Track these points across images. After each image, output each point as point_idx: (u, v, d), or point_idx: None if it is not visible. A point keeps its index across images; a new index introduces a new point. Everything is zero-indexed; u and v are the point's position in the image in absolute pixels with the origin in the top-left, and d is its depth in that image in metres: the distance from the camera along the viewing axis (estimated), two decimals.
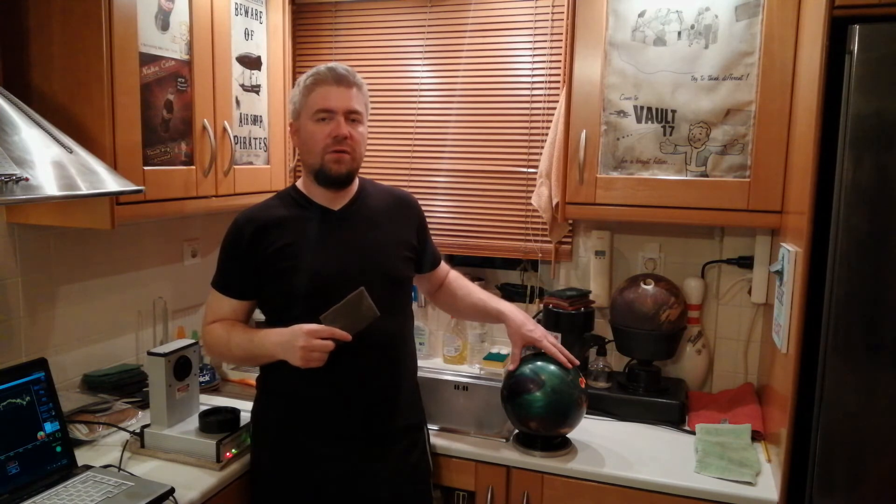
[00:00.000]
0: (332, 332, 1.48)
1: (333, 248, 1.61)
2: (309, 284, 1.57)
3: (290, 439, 1.62)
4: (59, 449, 1.56)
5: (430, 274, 1.87)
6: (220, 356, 1.68)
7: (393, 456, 1.65)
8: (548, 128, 2.25)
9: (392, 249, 1.69)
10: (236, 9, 2.08)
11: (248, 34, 2.15)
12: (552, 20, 2.29)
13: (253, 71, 2.18)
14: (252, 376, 2.25)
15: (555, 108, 2.22)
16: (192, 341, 1.82)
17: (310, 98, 1.60)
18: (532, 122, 2.35)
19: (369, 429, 1.62)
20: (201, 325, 1.72)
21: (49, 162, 1.38)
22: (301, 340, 1.48)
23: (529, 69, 2.34)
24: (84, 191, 1.41)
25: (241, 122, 2.14)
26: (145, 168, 1.75)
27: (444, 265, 1.93)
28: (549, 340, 1.77)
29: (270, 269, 1.59)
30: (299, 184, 1.70)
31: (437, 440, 1.84)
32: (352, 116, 1.60)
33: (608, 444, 1.83)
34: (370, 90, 2.50)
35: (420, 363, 1.81)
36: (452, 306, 1.96)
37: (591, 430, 1.89)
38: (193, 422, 1.74)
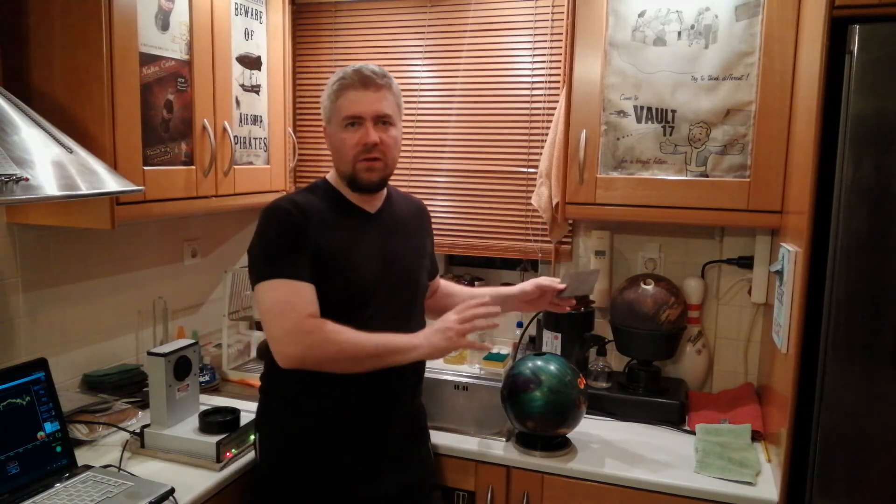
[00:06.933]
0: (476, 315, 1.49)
1: (373, 252, 1.57)
2: (352, 286, 1.52)
3: (302, 445, 1.58)
4: (59, 449, 1.56)
5: (430, 284, 1.84)
6: (338, 355, 1.43)
7: (405, 456, 1.65)
8: (548, 128, 2.25)
9: (417, 256, 1.69)
10: (236, 9, 2.08)
11: (248, 34, 2.15)
12: (552, 20, 2.29)
13: (253, 71, 2.18)
14: (252, 377, 2.25)
15: (555, 108, 2.22)
16: (192, 341, 1.81)
17: (337, 104, 1.53)
18: (532, 122, 2.35)
19: (387, 432, 1.60)
20: (293, 321, 1.43)
21: (49, 162, 1.38)
22: (451, 327, 1.47)
23: (529, 69, 2.34)
24: (84, 191, 1.41)
25: (241, 122, 2.14)
26: (145, 168, 1.75)
27: (437, 277, 1.90)
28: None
29: (319, 265, 1.49)
30: (331, 179, 1.63)
31: (437, 440, 1.84)
32: (382, 120, 1.53)
33: (608, 444, 1.83)
34: None
35: None
36: (449, 307, 1.88)
37: (591, 430, 1.89)
38: (193, 422, 1.74)
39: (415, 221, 1.74)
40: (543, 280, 1.78)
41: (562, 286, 1.76)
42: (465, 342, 1.50)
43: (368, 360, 1.46)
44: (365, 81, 1.52)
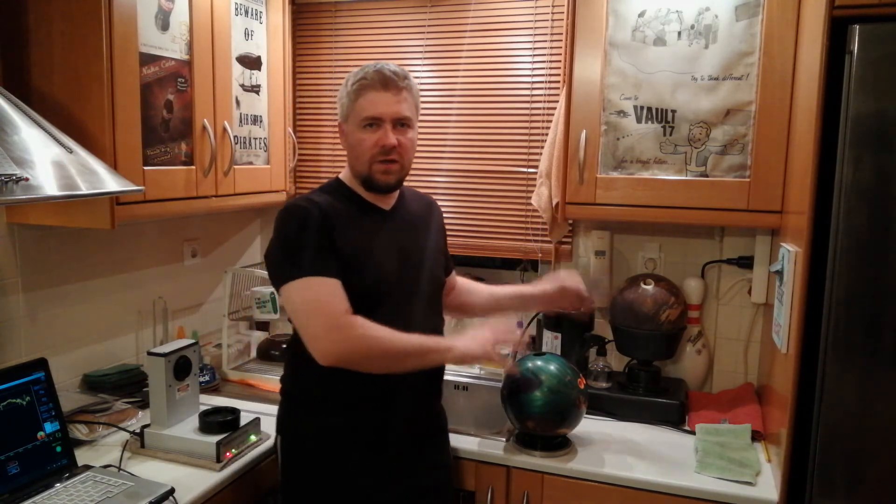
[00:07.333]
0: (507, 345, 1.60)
1: (391, 250, 1.57)
2: (371, 284, 1.51)
3: (324, 447, 1.56)
4: (59, 449, 1.56)
5: (447, 279, 1.82)
6: (380, 351, 1.43)
7: (426, 458, 1.65)
8: (548, 128, 2.25)
9: (433, 252, 1.69)
10: (236, 9, 2.08)
11: (248, 34, 2.15)
12: (552, 20, 2.29)
13: (253, 71, 2.18)
14: (252, 376, 2.25)
15: (555, 108, 2.22)
16: (192, 341, 1.81)
17: (357, 103, 1.52)
18: (532, 122, 2.35)
19: (408, 434, 1.60)
20: (332, 318, 1.42)
21: (49, 162, 1.38)
22: (485, 335, 1.54)
23: (529, 69, 2.34)
24: (84, 191, 1.41)
25: (241, 122, 2.14)
26: (145, 168, 1.75)
27: (453, 273, 1.89)
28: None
29: (338, 263, 1.47)
30: (344, 178, 1.62)
31: None
32: (401, 122, 1.53)
33: (608, 444, 1.83)
34: None
35: None
36: (467, 304, 1.89)
37: (591, 430, 1.89)
38: (193, 422, 1.74)
39: (428, 218, 1.73)
40: (568, 282, 1.79)
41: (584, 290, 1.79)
42: (496, 355, 1.54)
43: (409, 358, 1.47)
44: (386, 82, 1.51)
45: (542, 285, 1.81)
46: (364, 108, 1.51)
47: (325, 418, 1.56)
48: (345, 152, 1.61)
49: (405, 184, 1.70)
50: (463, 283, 1.91)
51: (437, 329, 1.68)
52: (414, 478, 1.61)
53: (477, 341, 1.53)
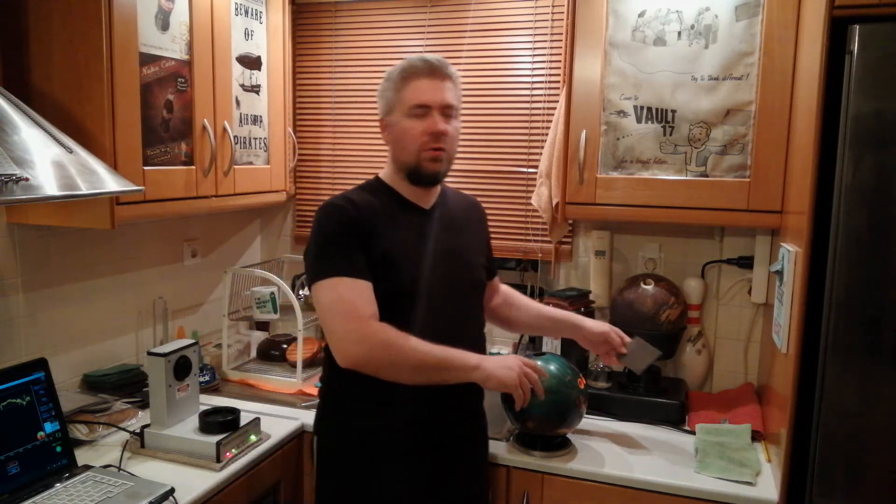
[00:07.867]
0: (539, 372, 1.55)
1: (430, 249, 1.56)
2: (407, 283, 1.50)
3: (358, 451, 1.55)
4: (59, 449, 1.56)
5: (488, 283, 1.80)
6: (399, 359, 1.42)
7: (463, 466, 1.64)
8: (548, 128, 2.25)
9: (473, 254, 1.67)
10: (236, 9, 2.08)
11: (248, 34, 2.15)
12: (552, 20, 2.29)
13: (253, 71, 2.18)
14: (252, 376, 2.25)
15: (555, 108, 2.22)
16: (192, 341, 1.81)
17: (404, 92, 1.51)
18: (532, 122, 2.35)
19: (445, 441, 1.59)
20: (357, 321, 1.42)
21: (49, 162, 1.38)
22: (519, 366, 1.51)
23: (529, 69, 2.34)
24: (84, 191, 1.41)
25: (241, 122, 2.14)
26: (145, 168, 1.75)
27: (496, 277, 1.86)
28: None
29: (376, 262, 1.47)
30: (384, 176, 1.61)
31: None
32: (447, 111, 1.52)
33: (608, 444, 1.83)
34: (370, 91, 2.52)
35: None
36: (513, 318, 1.86)
37: (591, 430, 1.89)
38: (193, 422, 1.74)
39: (470, 218, 1.72)
40: (613, 333, 1.77)
41: (623, 350, 1.78)
42: (519, 389, 1.51)
43: (430, 371, 1.45)
44: (432, 70, 1.51)
45: (591, 323, 1.79)
46: (412, 96, 1.51)
47: (355, 421, 1.55)
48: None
49: (447, 183, 1.68)
50: (508, 294, 1.87)
51: (474, 332, 1.66)
52: (447, 485, 1.60)
53: (505, 366, 1.50)
